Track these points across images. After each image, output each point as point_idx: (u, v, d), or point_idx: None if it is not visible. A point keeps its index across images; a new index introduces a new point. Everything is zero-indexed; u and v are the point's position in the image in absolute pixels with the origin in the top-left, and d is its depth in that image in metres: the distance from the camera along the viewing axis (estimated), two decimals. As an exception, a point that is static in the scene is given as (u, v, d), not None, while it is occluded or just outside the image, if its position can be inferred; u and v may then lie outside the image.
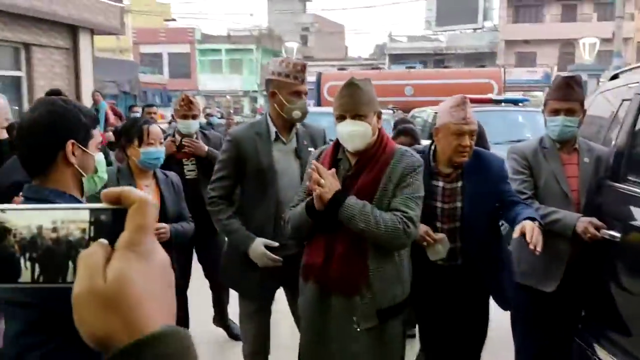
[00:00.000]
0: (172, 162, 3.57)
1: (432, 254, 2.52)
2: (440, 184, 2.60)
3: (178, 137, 3.77)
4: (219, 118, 12.01)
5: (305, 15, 43.74)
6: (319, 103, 15.82)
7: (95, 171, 1.67)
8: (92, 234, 0.54)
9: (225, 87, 35.01)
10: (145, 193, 0.54)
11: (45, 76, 10.76)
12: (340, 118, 2.27)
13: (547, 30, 34.99)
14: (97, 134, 1.69)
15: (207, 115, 10.96)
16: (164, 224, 2.78)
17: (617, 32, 16.68)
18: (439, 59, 37.54)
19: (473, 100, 9.45)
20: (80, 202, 1.63)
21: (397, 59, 36.84)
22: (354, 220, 2.13)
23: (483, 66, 22.68)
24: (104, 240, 0.53)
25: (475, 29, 37.55)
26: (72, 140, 1.57)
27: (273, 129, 2.75)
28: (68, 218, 0.54)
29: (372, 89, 2.29)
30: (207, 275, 3.96)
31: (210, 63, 36.76)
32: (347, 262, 2.22)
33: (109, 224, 0.54)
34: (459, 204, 2.57)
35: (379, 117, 2.30)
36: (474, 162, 2.57)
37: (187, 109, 3.75)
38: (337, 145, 2.37)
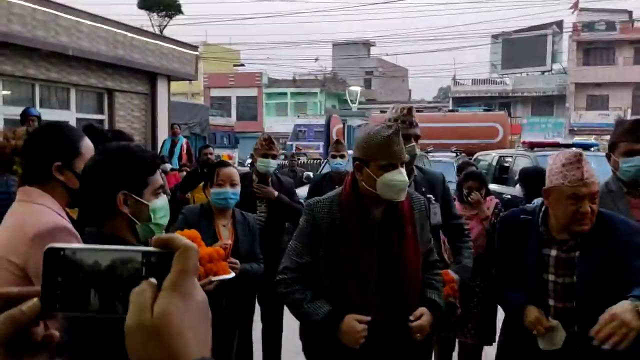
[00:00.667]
0: (248, 203, 3.60)
1: (545, 343, 2.11)
2: (554, 252, 2.20)
3: (256, 177, 3.86)
4: (282, 160, 12.35)
5: (369, 59, 44.49)
6: (327, 144, 16.09)
7: (149, 219, 1.67)
8: (143, 273, 0.62)
9: (291, 129, 35.94)
10: (189, 241, 0.63)
11: (125, 119, 11.48)
12: (391, 167, 2.08)
13: (619, 73, 33.94)
14: (157, 180, 1.70)
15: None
16: (235, 260, 2.93)
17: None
18: (504, 102, 37.05)
19: (541, 145, 9.30)
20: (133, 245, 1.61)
21: (461, 101, 36.65)
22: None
23: (489, 110, 22.30)
24: (153, 280, 0.61)
25: (543, 72, 36.94)
26: (124, 191, 1.61)
27: None
28: (124, 258, 0.63)
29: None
30: (263, 319, 3.93)
31: (276, 106, 37.87)
32: None
33: (158, 266, 0.62)
34: (576, 279, 2.15)
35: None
36: (597, 227, 2.13)
37: (267, 148, 3.87)
38: (355, 192, 2.15)
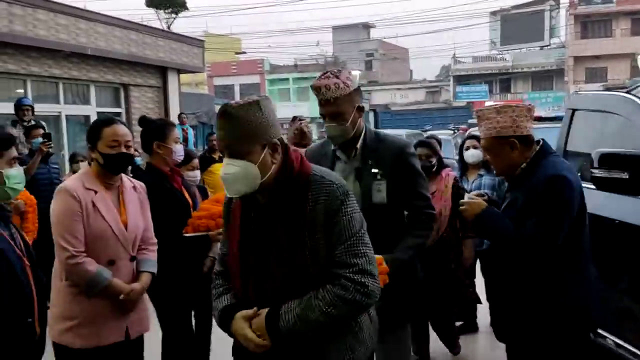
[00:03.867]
0: None
1: None
2: None
3: None
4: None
5: (369, 42, 44.90)
6: None
7: (3, 183, 2.10)
8: None
9: (294, 114, 36.54)
10: None
11: (140, 111, 12.29)
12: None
13: (617, 44, 34.32)
14: (11, 153, 2.14)
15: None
16: None
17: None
18: (504, 79, 37.49)
19: (539, 119, 9.80)
20: None
21: (462, 80, 37.12)
22: (300, 329, 1.70)
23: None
24: None
25: (542, 47, 37.31)
26: None
27: (331, 147, 2.68)
28: None
29: (258, 113, 1.70)
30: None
31: (278, 92, 38.48)
32: None
33: None
34: None
35: (272, 149, 1.75)
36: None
37: (299, 138, 4.33)
38: None
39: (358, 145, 2.61)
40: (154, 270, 2.82)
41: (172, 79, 13.24)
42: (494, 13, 38.42)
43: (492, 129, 2.38)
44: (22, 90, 9.50)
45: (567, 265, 2.33)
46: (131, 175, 3.18)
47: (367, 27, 45.23)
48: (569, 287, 2.32)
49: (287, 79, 38.30)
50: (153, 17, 21.74)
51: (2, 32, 8.66)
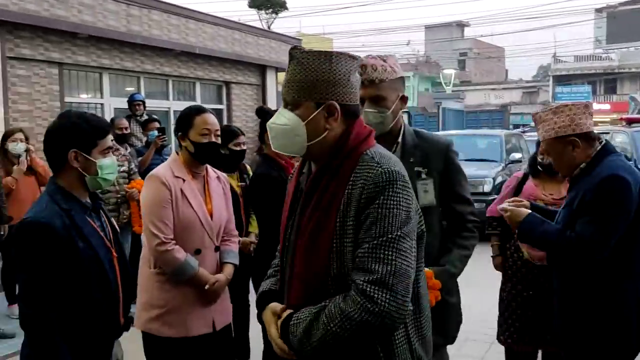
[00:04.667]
0: None
1: None
2: None
3: None
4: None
5: (463, 41, 43.84)
6: None
7: (96, 174, 1.99)
8: None
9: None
10: None
11: (240, 108, 12.80)
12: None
13: None
14: (105, 143, 2.02)
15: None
16: None
17: None
18: (609, 79, 35.28)
19: (638, 120, 9.47)
20: (79, 198, 2.00)
21: (562, 80, 35.33)
22: (306, 347, 1.42)
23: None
24: None
25: (652, 45, 34.80)
26: (74, 150, 1.95)
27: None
28: None
29: (325, 65, 1.50)
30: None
31: (369, 91, 38.40)
32: None
33: None
34: None
35: (328, 111, 1.51)
36: None
37: None
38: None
39: (399, 140, 2.29)
40: (237, 262, 2.79)
41: (270, 76, 13.65)
42: (599, 10, 36.28)
43: (550, 130, 2.34)
44: (133, 88, 10.15)
45: (625, 273, 2.22)
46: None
47: (461, 25, 44.23)
48: (628, 297, 2.22)
49: (377, 79, 38.06)
50: (252, 18, 22.52)
51: (120, 31, 9.32)
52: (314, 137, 1.51)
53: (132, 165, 5.41)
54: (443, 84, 30.44)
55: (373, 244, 1.38)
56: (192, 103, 11.51)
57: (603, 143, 2.35)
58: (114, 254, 2.08)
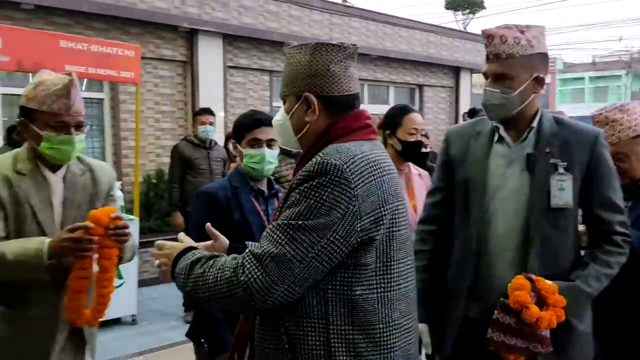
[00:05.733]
0: None
1: None
2: None
3: None
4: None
5: (691, 32, 37.98)
6: None
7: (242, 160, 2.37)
8: None
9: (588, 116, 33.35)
10: None
11: (432, 111, 12.75)
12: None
13: None
14: (253, 135, 2.34)
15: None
16: None
17: None
18: None
19: None
20: (250, 182, 2.38)
21: None
22: (191, 291, 1.44)
23: None
24: None
25: None
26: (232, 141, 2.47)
27: (489, 124, 2.00)
28: None
29: (304, 58, 1.48)
30: None
31: (571, 92, 35.52)
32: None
33: None
34: None
35: (306, 104, 1.49)
36: None
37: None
38: None
39: (533, 125, 1.93)
40: None
41: (464, 78, 13.37)
42: None
43: (624, 129, 2.21)
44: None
45: None
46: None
47: (688, 15, 38.36)
48: None
49: (582, 78, 35.07)
50: (446, 20, 22.27)
51: (323, 39, 9.91)
52: (298, 130, 1.52)
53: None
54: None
55: (276, 224, 1.37)
56: (385, 106, 11.86)
57: None
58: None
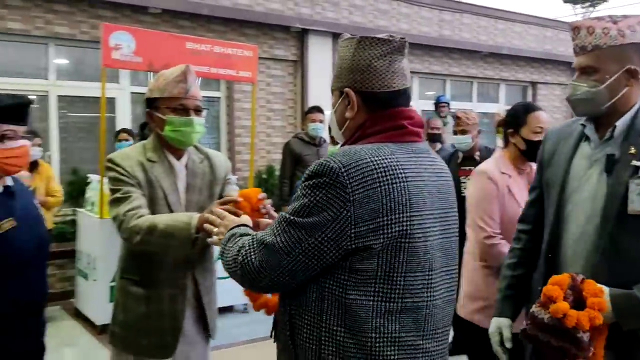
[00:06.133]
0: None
1: None
2: None
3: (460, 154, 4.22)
4: None
5: None
6: None
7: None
8: None
9: None
10: None
11: (547, 110, 11.95)
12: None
13: None
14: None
15: None
16: None
17: None
18: None
19: None
20: None
21: None
22: (223, 263, 1.55)
23: None
24: None
25: None
26: None
27: (580, 120, 1.90)
28: None
29: (348, 53, 1.48)
30: None
31: None
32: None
33: None
34: None
35: (347, 99, 1.50)
36: None
37: (457, 125, 4.14)
38: None
39: (618, 123, 1.76)
40: None
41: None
42: None
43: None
44: (435, 91, 10.53)
45: None
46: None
47: None
48: None
49: None
50: (565, 14, 20.96)
51: (431, 36, 9.78)
52: (341, 125, 1.53)
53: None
54: None
55: (280, 215, 1.44)
56: (494, 104, 11.46)
57: None
58: None
